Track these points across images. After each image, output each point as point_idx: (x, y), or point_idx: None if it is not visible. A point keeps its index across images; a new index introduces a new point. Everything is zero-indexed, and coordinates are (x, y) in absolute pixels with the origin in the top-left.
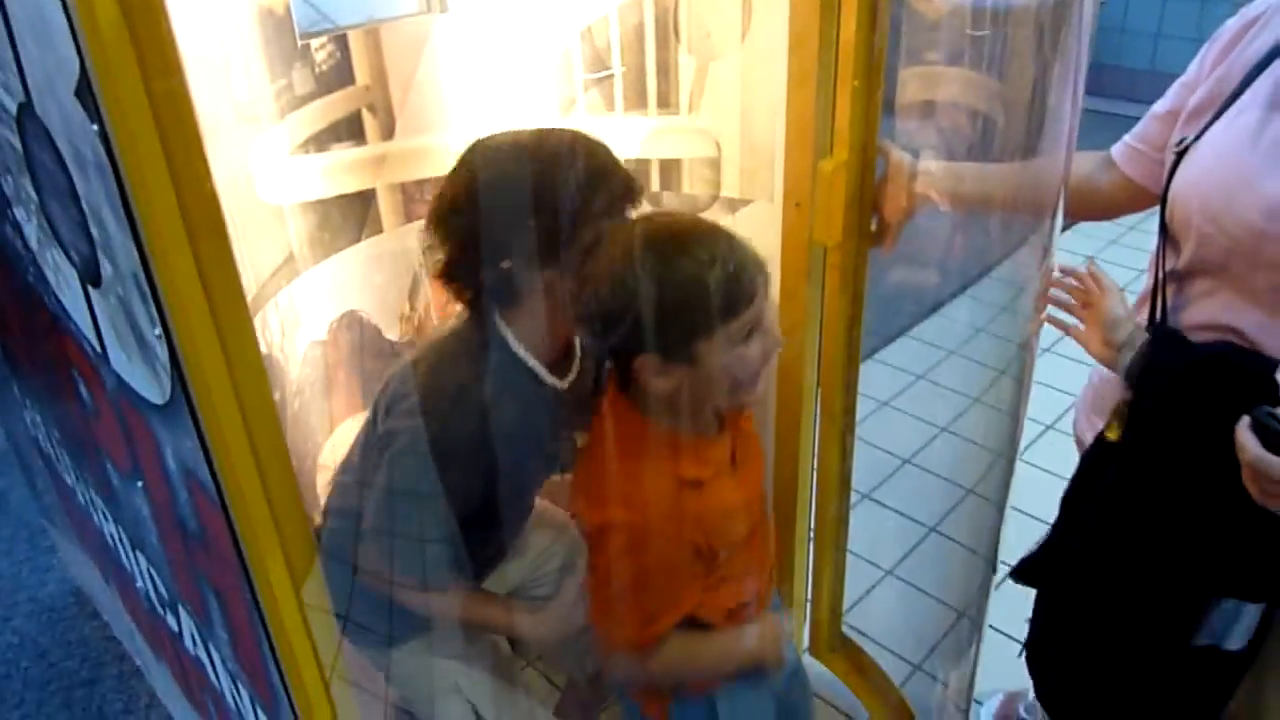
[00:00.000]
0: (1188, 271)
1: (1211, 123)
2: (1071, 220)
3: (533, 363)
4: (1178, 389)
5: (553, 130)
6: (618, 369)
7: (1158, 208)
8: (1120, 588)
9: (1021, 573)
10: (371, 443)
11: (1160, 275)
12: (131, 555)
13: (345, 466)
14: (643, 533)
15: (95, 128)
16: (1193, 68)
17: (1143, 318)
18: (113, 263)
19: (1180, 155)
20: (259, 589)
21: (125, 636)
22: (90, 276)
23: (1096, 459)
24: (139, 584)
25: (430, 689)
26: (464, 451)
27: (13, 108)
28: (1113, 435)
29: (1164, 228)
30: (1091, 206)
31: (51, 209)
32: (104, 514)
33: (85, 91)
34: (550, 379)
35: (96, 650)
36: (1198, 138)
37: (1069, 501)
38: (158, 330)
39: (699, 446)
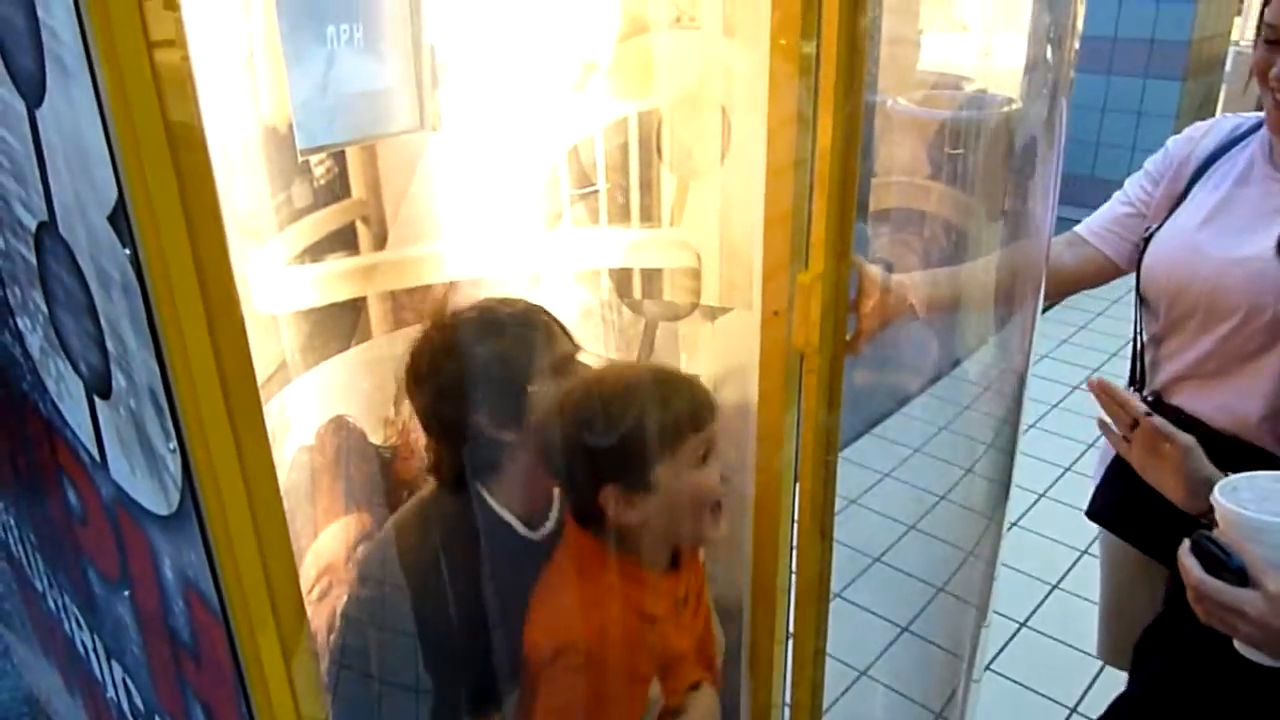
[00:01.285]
0: (1163, 332)
1: (1168, 216)
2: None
3: (509, 517)
4: None
5: (506, 301)
6: (581, 504)
7: (1118, 284)
8: None
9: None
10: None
11: (1140, 341)
12: (105, 665)
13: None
14: (596, 659)
15: (128, 252)
16: (1149, 176)
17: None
18: (128, 376)
19: (1147, 241)
20: (255, 701)
21: None
22: (99, 388)
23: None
24: (110, 694)
25: None
26: (438, 609)
27: (32, 224)
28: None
29: (1140, 301)
30: (1056, 284)
31: (63, 322)
32: (77, 621)
33: (120, 217)
34: (525, 532)
35: None
36: (1159, 227)
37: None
38: (172, 444)
39: (654, 581)
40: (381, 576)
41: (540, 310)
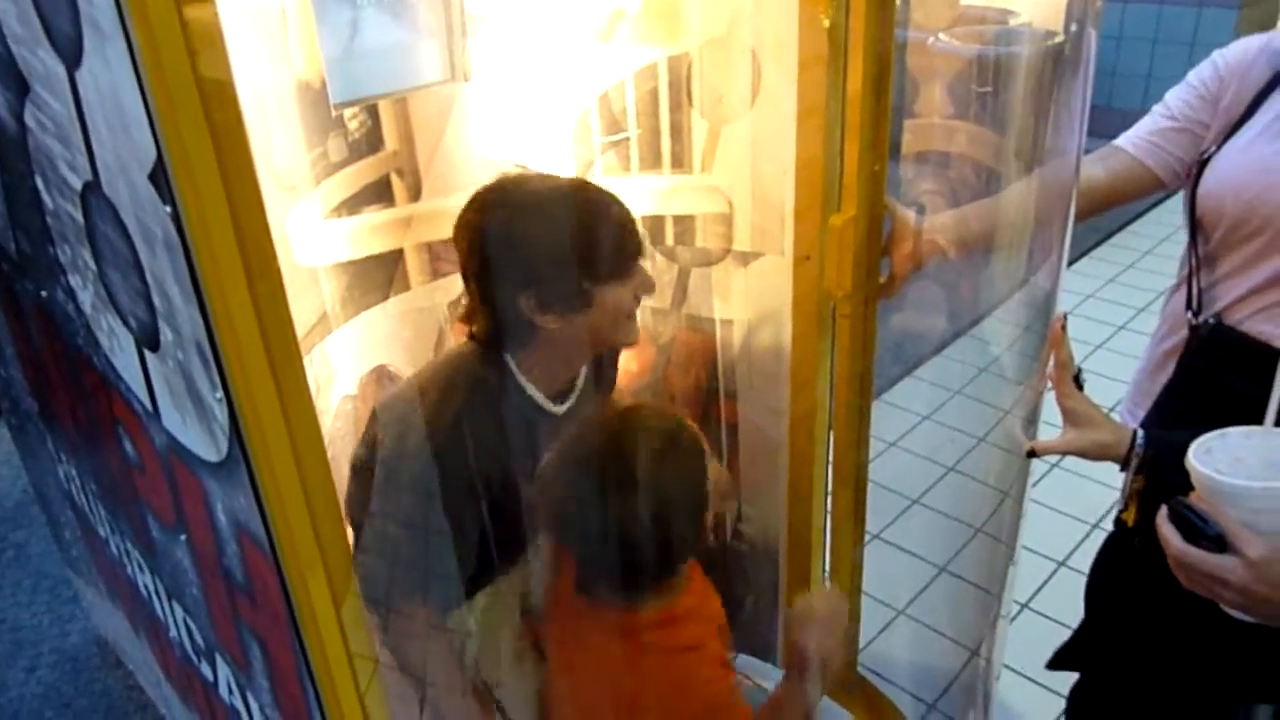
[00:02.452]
0: (1216, 253)
1: (1228, 137)
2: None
3: (533, 391)
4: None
5: (575, 182)
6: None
7: (1165, 221)
8: (1148, 686)
9: (1058, 660)
10: (363, 466)
11: (1194, 262)
12: (167, 605)
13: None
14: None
15: (168, 209)
16: (1195, 92)
17: (1178, 303)
18: (174, 330)
19: (1203, 163)
20: (307, 638)
21: (151, 686)
22: (148, 342)
23: (1117, 542)
24: (173, 633)
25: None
26: (457, 470)
27: (78, 184)
28: (1128, 518)
29: (1194, 224)
30: (1089, 201)
31: (111, 279)
32: (140, 565)
33: (159, 175)
34: (550, 406)
35: (120, 700)
36: (1218, 148)
37: (1093, 590)
38: (219, 394)
39: (673, 603)
40: (404, 425)
41: (612, 199)
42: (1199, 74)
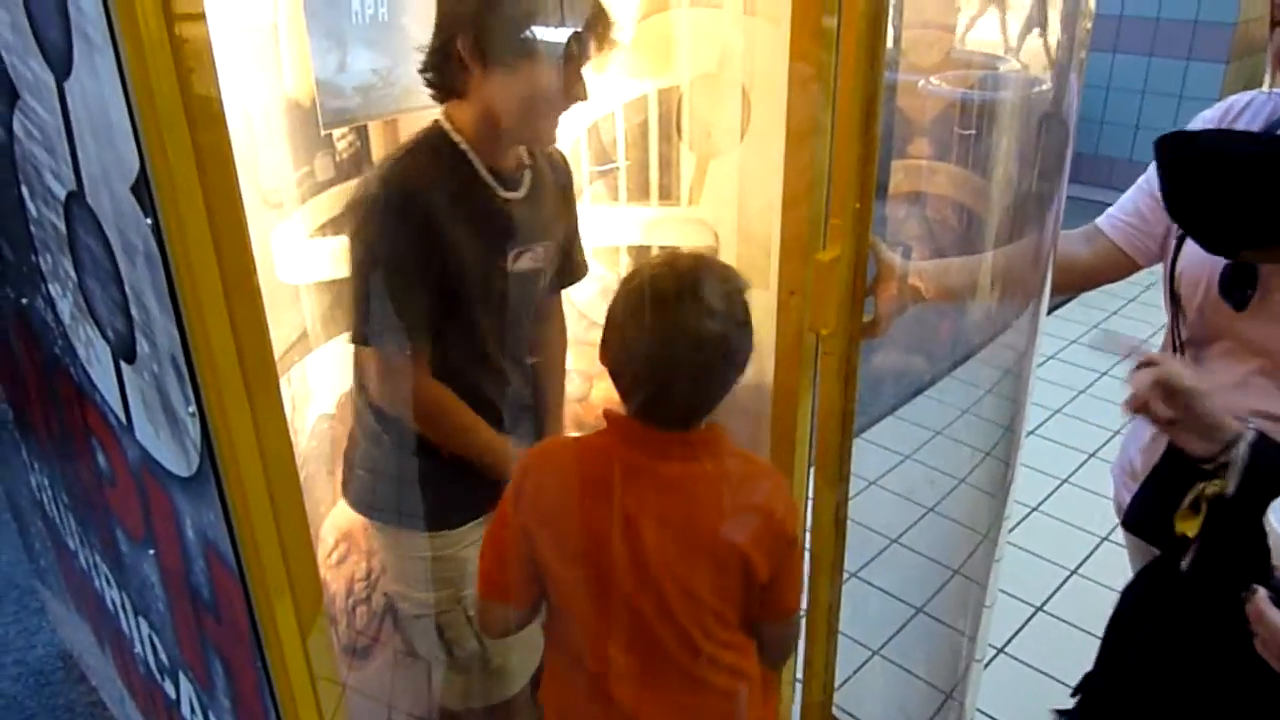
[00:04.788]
0: (1192, 338)
1: None
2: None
3: (475, 160)
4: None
5: None
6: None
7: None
8: None
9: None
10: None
11: (1177, 342)
12: (133, 621)
13: None
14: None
15: (149, 221)
16: None
17: None
18: (151, 342)
19: (1181, 239)
20: (270, 657)
21: (114, 702)
22: (125, 353)
23: (1161, 567)
24: (137, 649)
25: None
26: (414, 229)
27: (61, 194)
28: (1189, 529)
29: (1173, 300)
30: (1071, 277)
31: (90, 289)
32: (107, 579)
33: (142, 187)
34: (497, 186)
35: (82, 716)
36: None
37: (1122, 622)
38: (192, 409)
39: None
40: (367, 183)
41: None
42: None
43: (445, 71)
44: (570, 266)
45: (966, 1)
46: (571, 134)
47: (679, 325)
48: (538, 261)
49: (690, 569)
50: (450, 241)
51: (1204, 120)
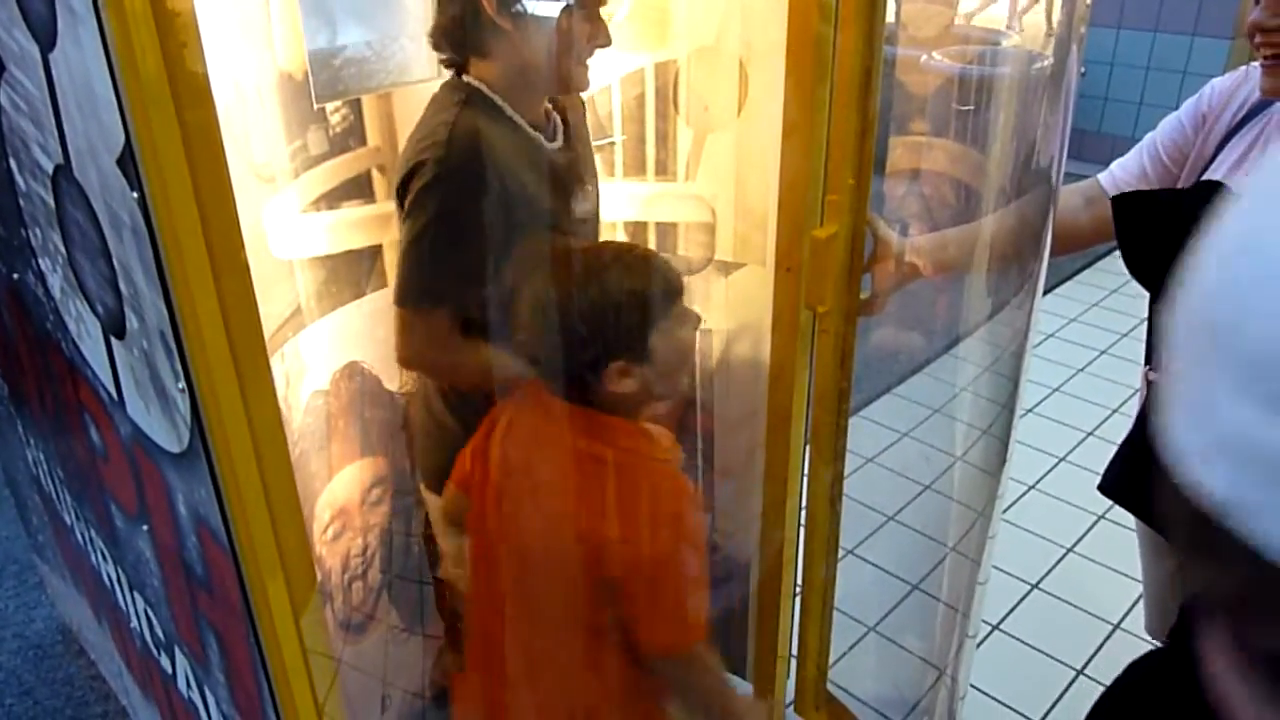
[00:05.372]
0: None
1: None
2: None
3: (513, 114)
4: None
5: None
6: (580, 387)
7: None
8: None
9: None
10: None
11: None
12: (129, 595)
13: None
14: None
15: (135, 195)
16: (1183, 123)
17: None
18: (140, 318)
19: None
20: (263, 634)
21: (113, 676)
22: (115, 329)
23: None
24: (134, 624)
25: None
26: (486, 185)
27: (49, 167)
28: None
29: None
30: (1071, 242)
31: (80, 263)
32: (103, 554)
33: (128, 161)
34: (536, 135)
35: (81, 689)
36: None
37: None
38: (181, 384)
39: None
40: (417, 142)
41: None
42: (1186, 110)
43: (470, 33)
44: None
45: None
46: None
47: (573, 278)
48: (591, 202)
49: (546, 551)
50: (520, 195)
51: (1218, 89)
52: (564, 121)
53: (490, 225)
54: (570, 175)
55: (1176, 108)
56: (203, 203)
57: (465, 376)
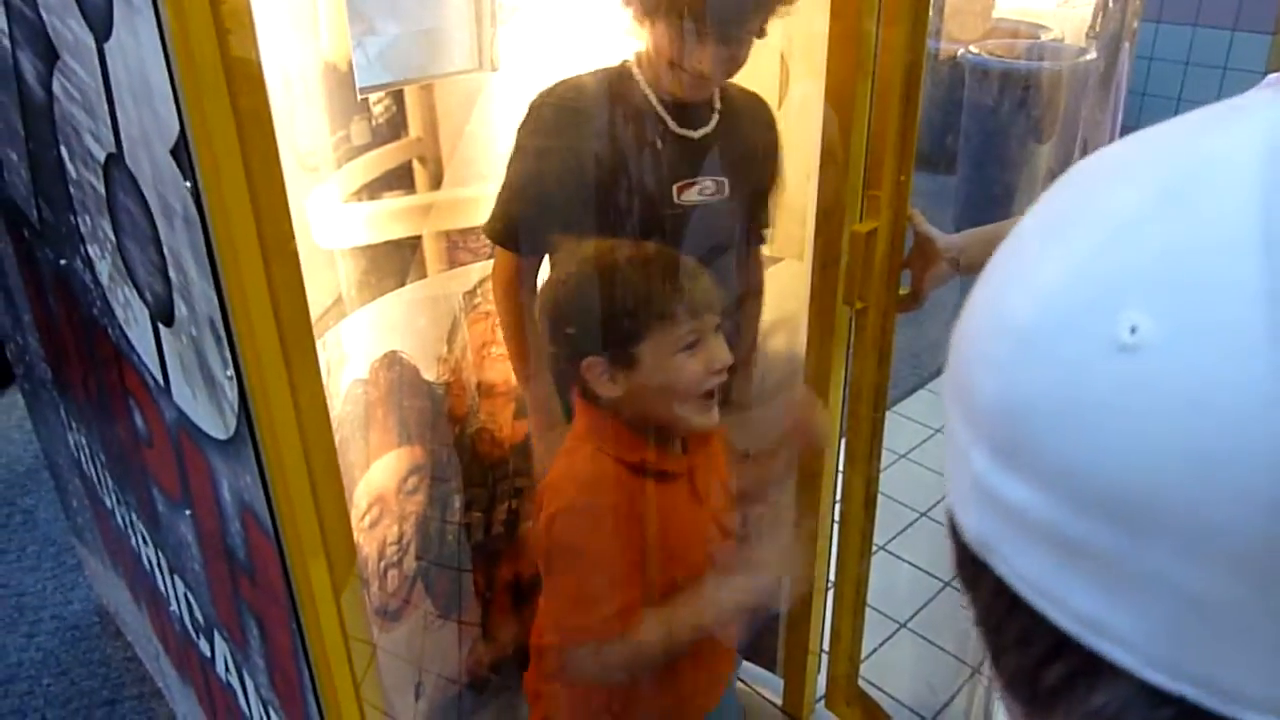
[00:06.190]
0: None
1: None
2: None
3: (649, 92)
4: None
5: None
6: (572, 376)
7: None
8: None
9: None
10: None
11: None
12: (169, 579)
13: None
14: (588, 514)
15: (189, 184)
16: None
17: None
18: (189, 306)
19: None
20: (304, 618)
21: (149, 658)
22: (163, 316)
23: None
24: (173, 608)
25: None
26: (559, 132)
27: (101, 155)
28: None
29: None
30: None
31: (129, 251)
32: (143, 538)
33: (182, 150)
34: (665, 114)
35: (118, 671)
36: None
37: None
38: (229, 372)
39: (659, 449)
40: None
41: None
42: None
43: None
44: (757, 224)
45: None
46: None
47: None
48: (706, 196)
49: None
50: (595, 155)
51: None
52: (728, 117)
53: (556, 180)
54: (692, 164)
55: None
56: (255, 191)
57: (506, 329)
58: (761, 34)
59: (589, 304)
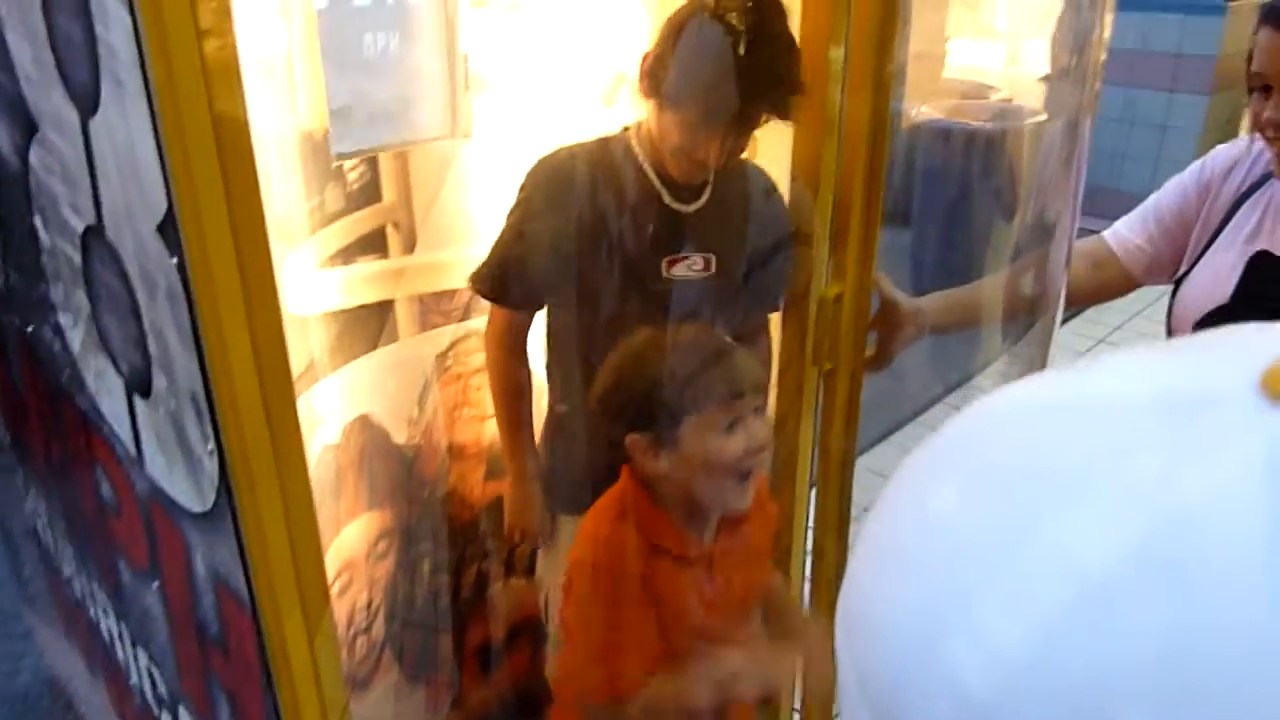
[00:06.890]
0: None
1: (1200, 255)
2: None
3: (646, 165)
4: None
5: None
6: (619, 451)
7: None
8: None
9: None
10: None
11: None
12: (130, 651)
13: None
14: (604, 573)
15: (174, 261)
16: (1186, 190)
17: None
18: (169, 378)
19: (1178, 284)
20: (281, 697)
21: None
22: (140, 387)
23: None
24: (133, 680)
25: None
26: (552, 199)
27: (79, 227)
28: None
29: (1169, 332)
30: (1075, 294)
31: (106, 322)
32: (105, 609)
33: (169, 228)
34: (661, 187)
35: None
36: (1189, 270)
37: None
38: (210, 446)
39: (681, 532)
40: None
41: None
42: (1190, 176)
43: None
44: (761, 292)
45: (956, 29)
46: None
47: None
48: (695, 271)
49: None
50: (586, 224)
51: (1221, 158)
52: (721, 190)
53: (550, 244)
54: (683, 238)
55: (1154, 159)
56: (243, 267)
57: (494, 383)
58: (766, 122)
59: (636, 386)
